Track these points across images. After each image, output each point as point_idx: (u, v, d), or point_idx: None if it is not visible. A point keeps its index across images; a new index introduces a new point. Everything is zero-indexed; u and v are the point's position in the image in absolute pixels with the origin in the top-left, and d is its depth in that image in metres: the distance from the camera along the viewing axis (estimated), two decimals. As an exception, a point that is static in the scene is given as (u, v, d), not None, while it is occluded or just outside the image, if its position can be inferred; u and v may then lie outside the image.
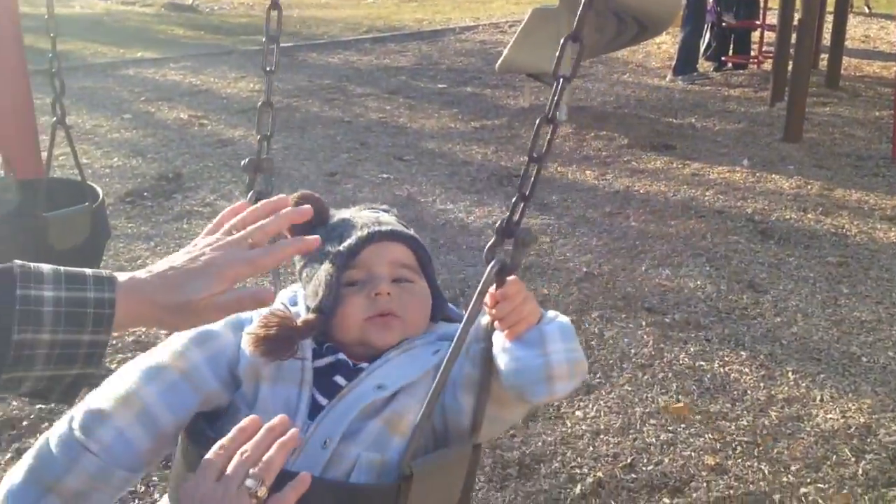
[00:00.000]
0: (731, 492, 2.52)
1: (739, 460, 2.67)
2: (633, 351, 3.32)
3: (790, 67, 6.87)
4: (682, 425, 2.84)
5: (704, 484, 2.56)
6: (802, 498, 2.50)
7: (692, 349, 3.33)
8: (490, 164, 5.80)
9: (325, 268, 1.26)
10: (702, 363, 3.22)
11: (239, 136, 6.37)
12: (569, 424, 2.86)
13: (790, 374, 3.17)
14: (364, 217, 1.34)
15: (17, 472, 1.14)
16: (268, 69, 1.61)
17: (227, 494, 0.93)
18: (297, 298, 1.33)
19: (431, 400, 1.09)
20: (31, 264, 0.88)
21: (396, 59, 9.75)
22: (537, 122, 1.24)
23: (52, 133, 2.40)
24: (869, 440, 2.78)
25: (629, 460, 2.67)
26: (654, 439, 2.76)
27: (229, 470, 0.96)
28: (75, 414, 1.16)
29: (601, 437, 2.80)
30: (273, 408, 1.15)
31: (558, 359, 1.14)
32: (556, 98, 1.25)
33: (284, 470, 0.99)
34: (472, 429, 1.18)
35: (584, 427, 2.85)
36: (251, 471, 0.95)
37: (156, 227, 4.54)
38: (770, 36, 8.60)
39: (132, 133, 6.40)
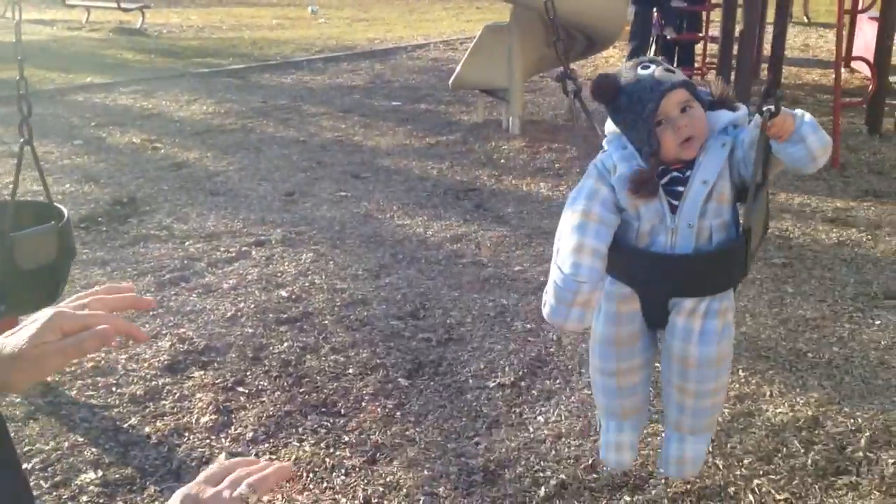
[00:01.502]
0: (689, 486, 2.61)
1: (695, 456, 2.76)
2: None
3: (733, 77, 7.09)
4: (640, 425, 2.93)
5: (662, 481, 2.64)
6: (755, 489, 2.60)
7: (647, 352, 3.42)
8: (446, 179, 5.88)
9: (643, 124, 1.87)
10: (657, 365, 3.31)
11: (194, 159, 6.37)
12: (531, 430, 2.93)
13: (740, 371, 3.29)
14: (647, 79, 1.89)
15: (549, 299, 1.85)
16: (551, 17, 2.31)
17: (220, 496, 1.00)
18: (625, 143, 1.95)
19: (753, 176, 1.80)
20: None
21: (350, 78, 9.82)
22: None
23: (19, 154, 2.41)
24: (817, 432, 2.90)
25: (591, 461, 2.74)
26: (613, 440, 2.84)
27: (228, 480, 1.03)
28: (560, 265, 1.83)
29: (563, 440, 2.87)
30: (650, 216, 1.87)
31: (815, 146, 1.80)
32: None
33: (665, 253, 1.88)
34: (763, 184, 1.86)
35: (546, 431, 2.92)
36: (248, 481, 1.03)
37: (111, 252, 4.52)
38: (713, 47, 8.85)
39: (84, 159, 6.36)
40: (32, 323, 1.02)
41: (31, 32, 12.26)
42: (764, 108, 1.77)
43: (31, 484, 2.62)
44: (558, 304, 1.84)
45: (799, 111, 1.83)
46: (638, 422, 2.20)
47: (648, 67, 1.92)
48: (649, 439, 2.85)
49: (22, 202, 2.54)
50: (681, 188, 1.87)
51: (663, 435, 2.23)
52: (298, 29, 14.45)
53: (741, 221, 1.87)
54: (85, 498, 2.57)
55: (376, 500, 2.57)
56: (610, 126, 2.04)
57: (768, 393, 3.14)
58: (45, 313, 1.03)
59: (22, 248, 2.30)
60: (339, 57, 11.21)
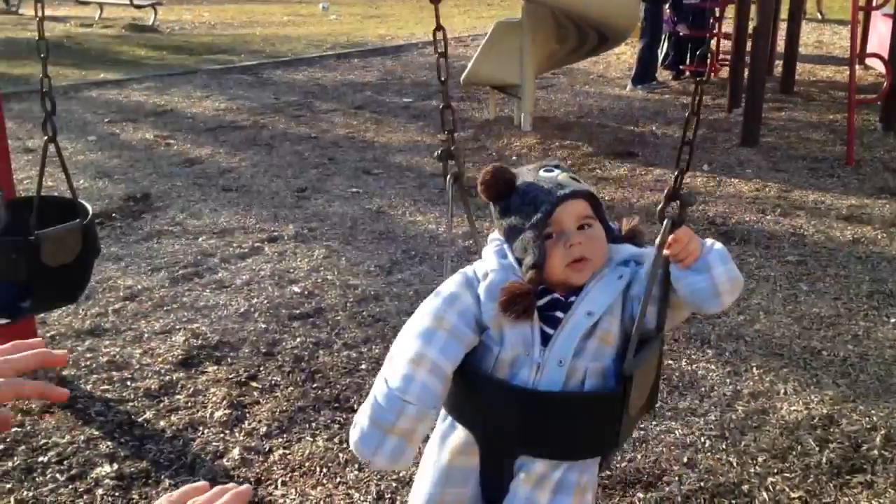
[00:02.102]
0: (702, 484, 2.61)
1: (709, 454, 2.76)
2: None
3: (746, 74, 7.06)
4: (654, 422, 2.93)
5: (676, 478, 2.64)
6: (770, 487, 2.59)
7: (660, 349, 3.42)
8: (457, 176, 5.87)
9: (529, 231, 1.58)
10: (670, 361, 3.31)
11: (206, 155, 6.39)
12: (543, 426, 2.93)
13: (755, 369, 3.28)
14: (547, 181, 1.63)
15: (361, 421, 1.53)
16: (442, 79, 1.92)
17: None
18: (506, 252, 1.64)
19: (642, 311, 1.49)
20: None
21: (361, 75, 9.83)
22: (690, 119, 1.61)
23: (43, 151, 2.42)
24: (832, 430, 2.88)
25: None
26: (626, 437, 2.83)
27: None
28: (387, 377, 1.52)
29: (575, 436, 2.87)
30: (515, 342, 1.53)
31: (721, 279, 1.50)
32: (698, 98, 1.62)
33: (529, 389, 1.49)
34: (658, 329, 1.57)
35: (558, 428, 2.91)
36: None
37: (126, 248, 4.54)
38: (726, 44, 8.81)
39: (97, 155, 6.39)
40: None
41: (45, 29, 12.28)
42: (664, 220, 1.51)
43: (46, 477, 2.64)
44: (371, 429, 1.51)
45: (709, 240, 1.57)
46: None
47: (552, 171, 1.67)
48: (662, 436, 2.84)
49: (45, 198, 2.55)
50: (560, 314, 1.55)
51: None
52: (310, 25, 14.47)
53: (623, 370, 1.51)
54: (100, 491, 2.59)
55: (389, 496, 2.58)
56: (493, 233, 1.73)
57: (782, 391, 3.13)
58: None
59: (47, 246, 2.31)
60: (351, 53, 11.22)
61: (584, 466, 1.59)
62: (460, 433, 1.62)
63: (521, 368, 1.53)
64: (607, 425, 1.53)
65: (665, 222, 1.51)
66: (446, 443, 1.64)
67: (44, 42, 2.34)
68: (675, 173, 1.55)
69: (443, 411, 1.64)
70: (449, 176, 1.81)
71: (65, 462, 2.72)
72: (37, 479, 2.63)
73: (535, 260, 1.55)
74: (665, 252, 1.52)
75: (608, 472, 2.65)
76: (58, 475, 2.66)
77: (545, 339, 1.53)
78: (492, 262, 1.62)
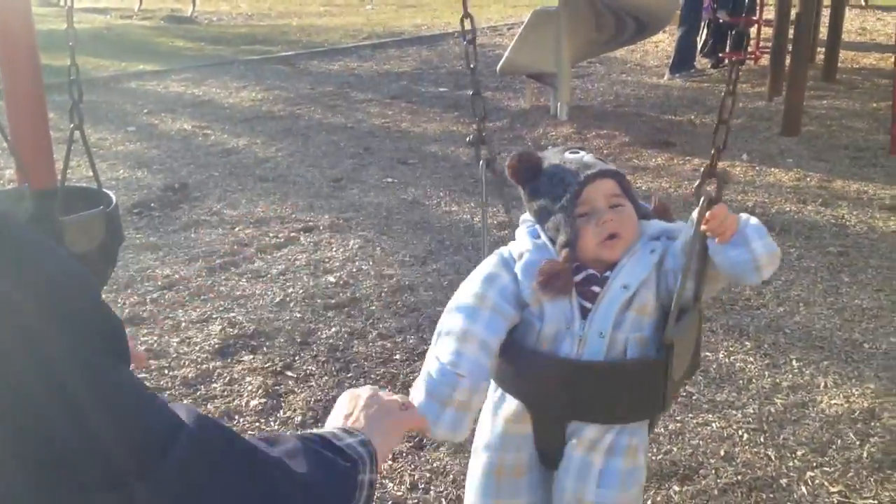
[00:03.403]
0: (740, 478, 2.57)
1: (747, 447, 2.72)
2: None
3: (787, 62, 6.93)
4: (690, 415, 2.90)
5: (713, 471, 2.61)
6: (809, 481, 2.55)
7: (697, 341, 3.38)
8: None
9: (561, 212, 1.64)
10: (707, 353, 3.27)
11: (243, 145, 6.44)
12: (578, 417, 2.91)
13: (794, 362, 3.23)
14: (573, 162, 1.70)
15: (417, 396, 1.57)
16: (471, 66, 1.97)
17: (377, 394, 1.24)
18: (538, 232, 1.70)
19: (682, 284, 1.54)
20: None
21: (397, 65, 9.82)
22: (724, 93, 1.63)
23: (69, 138, 2.45)
24: (873, 424, 2.83)
25: (638, 450, 2.71)
26: (662, 429, 2.81)
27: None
28: (438, 355, 1.58)
29: (610, 428, 2.85)
30: (555, 317, 1.59)
31: (760, 252, 1.54)
32: (734, 76, 1.64)
33: (574, 360, 1.57)
34: (695, 300, 1.62)
35: (593, 419, 2.90)
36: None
37: (164, 237, 4.60)
38: (767, 31, 8.66)
39: (136, 145, 6.47)
40: None
41: (85, 21, 12.49)
42: (702, 197, 1.54)
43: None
44: (429, 401, 1.55)
45: (744, 214, 1.61)
46: None
47: (577, 152, 1.73)
48: (699, 429, 2.81)
49: (71, 188, 2.59)
50: (597, 288, 1.61)
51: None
52: (346, 16, 14.49)
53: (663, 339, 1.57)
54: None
55: (423, 486, 2.58)
56: (524, 214, 1.79)
57: (823, 384, 3.08)
58: None
59: (71, 232, 2.34)
60: (387, 43, 11.22)
61: (634, 429, 1.65)
62: (512, 402, 1.69)
63: (563, 342, 1.60)
64: (652, 390, 1.59)
65: (702, 199, 1.54)
66: (499, 412, 1.72)
67: (73, 30, 2.37)
68: (712, 151, 1.59)
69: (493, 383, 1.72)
70: (482, 161, 1.90)
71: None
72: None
73: (568, 239, 1.62)
74: (702, 228, 1.55)
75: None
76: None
77: (584, 314, 1.59)
78: (526, 243, 1.68)
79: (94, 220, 2.45)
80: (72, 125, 2.44)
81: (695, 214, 1.55)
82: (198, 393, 3.08)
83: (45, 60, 2.86)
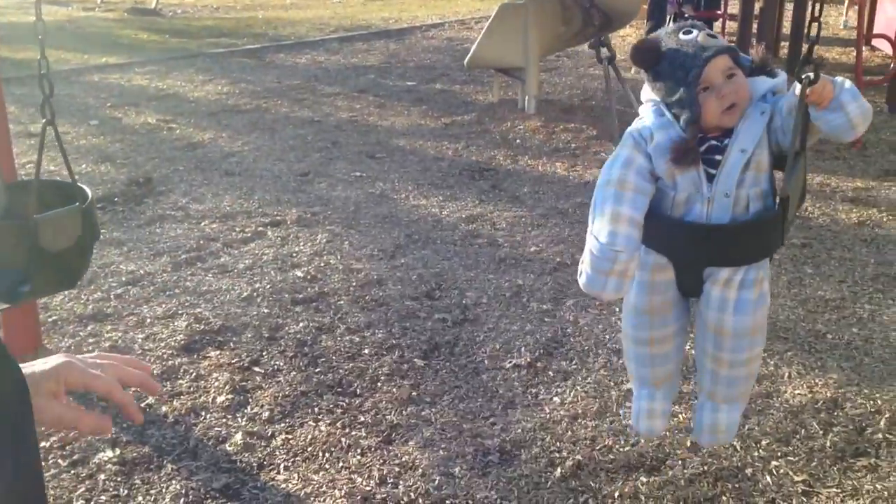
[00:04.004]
0: (706, 468, 2.60)
1: (712, 438, 2.74)
2: (607, 337, 3.40)
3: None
4: (657, 406, 2.91)
5: (680, 462, 2.63)
6: (773, 471, 2.58)
7: (664, 333, 3.40)
8: (461, 160, 5.85)
9: (684, 91, 1.86)
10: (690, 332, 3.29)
11: (209, 139, 6.37)
12: (547, 410, 2.93)
13: (759, 353, 3.26)
14: (689, 44, 1.88)
15: (585, 269, 1.86)
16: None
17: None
18: (662, 110, 1.92)
19: (792, 143, 1.78)
20: None
21: (364, 58, 9.77)
22: None
23: (41, 135, 2.39)
24: (836, 413, 2.87)
25: (607, 442, 2.73)
26: (628, 421, 2.83)
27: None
28: (596, 235, 1.82)
29: (579, 421, 2.86)
30: (686, 185, 1.85)
31: (855, 114, 1.77)
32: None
33: (702, 223, 1.86)
34: (802, 152, 1.86)
35: (562, 412, 2.91)
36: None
37: (128, 232, 4.54)
38: (732, 26, 8.74)
39: (100, 139, 6.37)
40: (43, 364, 1.02)
41: (47, 13, 12.19)
42: (803, 76, 1.75)
43: (48, 462, 2.64)
44: (595, 274, 1.85)
45: (839, 78, 1.79)
46: (670, 390, 2.20)
47: (691, 32, 1.90)
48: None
49: (45, 182, 2.53)
50: (718, 157, 1.86)
51: (696, 402, 2.21)
52: (313, 9, 14.38)
53: (778, 190, 1.85)
54: (103, 476, 2.59)
55: (392, 480, 2.58)
56: (646, 93, 2.01)
57: (787, 374, 3.12)
58: (56, 359, 1.03)
59: (46, 230, 2.29)
60: (354, 37, 11.16)
61: (760, 265, 1.93)
62: (656, 257, 1.97)
63: (695, 204, 1.86)
64: (773, 234, 1.89)
65: (804, 79, 1.73)
66: (646, 265, 1.99)
67: (41, 23, 2.31)
68: (807, 44, 1.79)
69: None
70: (604, 59, 2.26)
71: (67, 447, 2.72)
72: (40, 464, 2.63)
73: (693, 115, 1.85)
74: (805, 101, 1.76)
75: (612, 457, 2.65)
76: (60, 460, 2.66)
77: (710, 178, 1.85)
78: (653, 120, 1.92)
79: (71, 217, 2.39)
80: (44, 120, 2.37)
81: (797, 90, 1.76)
82: (163, 389, 3.04)
83: (5, 53, 2.80)
